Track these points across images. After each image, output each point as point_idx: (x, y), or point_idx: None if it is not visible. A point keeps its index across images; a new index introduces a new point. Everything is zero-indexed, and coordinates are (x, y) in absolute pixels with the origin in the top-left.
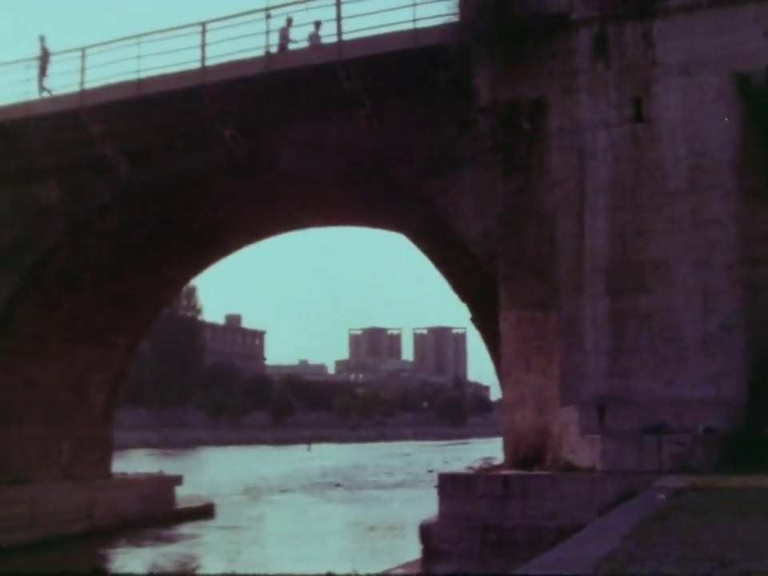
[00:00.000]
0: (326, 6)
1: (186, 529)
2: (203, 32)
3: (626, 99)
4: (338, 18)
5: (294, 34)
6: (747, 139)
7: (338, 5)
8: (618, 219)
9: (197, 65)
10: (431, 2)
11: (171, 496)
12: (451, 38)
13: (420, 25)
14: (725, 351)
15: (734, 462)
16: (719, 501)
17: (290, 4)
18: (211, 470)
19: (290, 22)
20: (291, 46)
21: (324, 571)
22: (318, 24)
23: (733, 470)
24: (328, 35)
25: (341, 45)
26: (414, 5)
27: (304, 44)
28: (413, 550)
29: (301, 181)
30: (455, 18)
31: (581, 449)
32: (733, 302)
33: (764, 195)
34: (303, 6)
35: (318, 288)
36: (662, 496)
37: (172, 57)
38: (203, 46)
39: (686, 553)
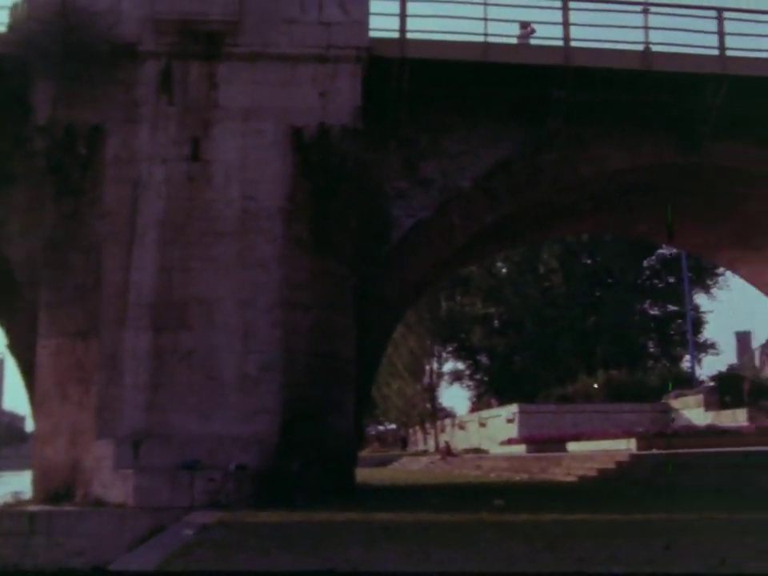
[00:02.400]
0: None
1: None
2: None
3: (185, 137)
4: None
5: None
6: (297, 188)
7: None
8: (167, 255)
9: None
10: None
11: None
12: (10, 49)
13: None
14: (261, 391)
15: (265, 498)
16: (244, 536)
17: None
18: None
19: None
20: None
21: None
22: None
23: (262, 505)
24: None
25: None
26: None
27: None
28: None
29: None
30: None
31: (113, 484)
32: (272, 343)
33: (307, 243)
34: None
35: None
36: (189, 532)
37: None
38: None
39: None
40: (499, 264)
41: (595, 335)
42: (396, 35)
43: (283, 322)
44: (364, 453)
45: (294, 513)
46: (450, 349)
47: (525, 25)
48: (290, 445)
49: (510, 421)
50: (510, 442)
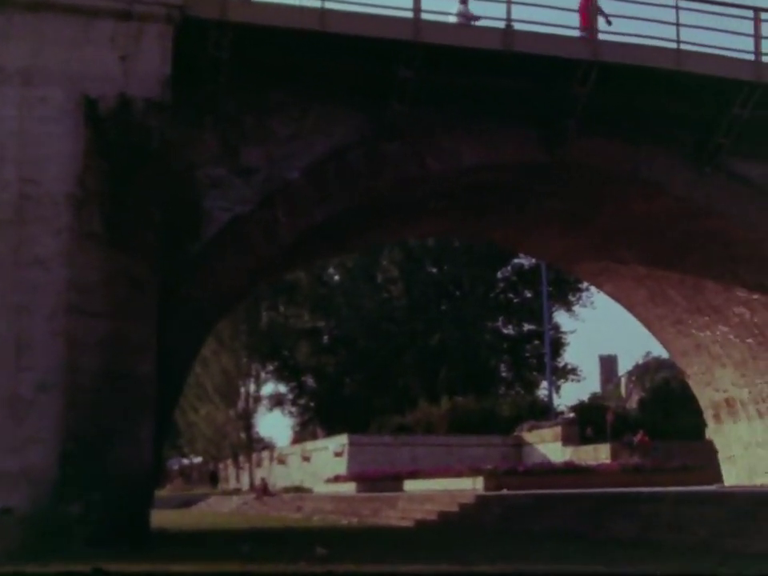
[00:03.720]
0: None
1: None
2: None
3: None
4: None
5: None
6: (89, 171)
7: None
8: None
9: None
10: None
11: None
12: None
13: None
14: (36, 416)
15: (36, 547)
16: None
17: None
18: None
19: None
20: None
21: None
22: None
23: (32, 557)
24: None
25: None
26: None
27: None
28: None
29: None
30: None
31: None
32: (52, 357)
33: (100, 237)
34: None
35: None
36: None
37: None
38: None
39: None
40: (331, 270)
41: (439, 356)
42: None
43: (67, 333)
44: (163, 492)
45: (73, 565)
46: (271, 368)
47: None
48: (71, 482)
49: (338, 454)
50: (337, 479)
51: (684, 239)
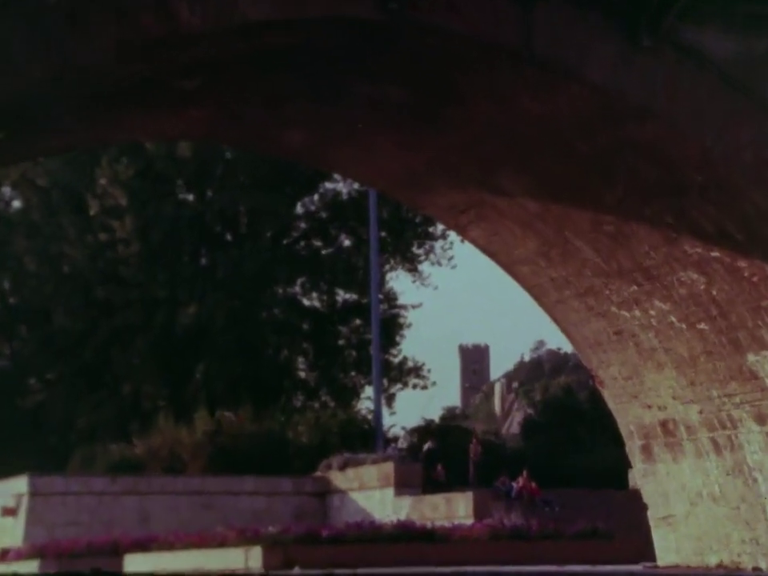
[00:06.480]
0: None
1: None
2: None
3: None
4: None
5: None
6: None
7: None
8: None
9: None
10: None
11: None
12: None
13: None
14: None
15: None
16: None
17: None
18: None
19: None
20: None
21: None
22: None
23: None
24: None
25: None
26: None
27: None
28: None
29: None
30: None
31: None
32: None
33: None
34: None
35: None
36: None
37: None
38: None
39: None
40: (7, 191)
41: (195, 342)
42: None
43: None
44: None
45: None
46: None
47: None
48: None
49: (8, 512)
50: (5, 555)
51: (603, 157)
